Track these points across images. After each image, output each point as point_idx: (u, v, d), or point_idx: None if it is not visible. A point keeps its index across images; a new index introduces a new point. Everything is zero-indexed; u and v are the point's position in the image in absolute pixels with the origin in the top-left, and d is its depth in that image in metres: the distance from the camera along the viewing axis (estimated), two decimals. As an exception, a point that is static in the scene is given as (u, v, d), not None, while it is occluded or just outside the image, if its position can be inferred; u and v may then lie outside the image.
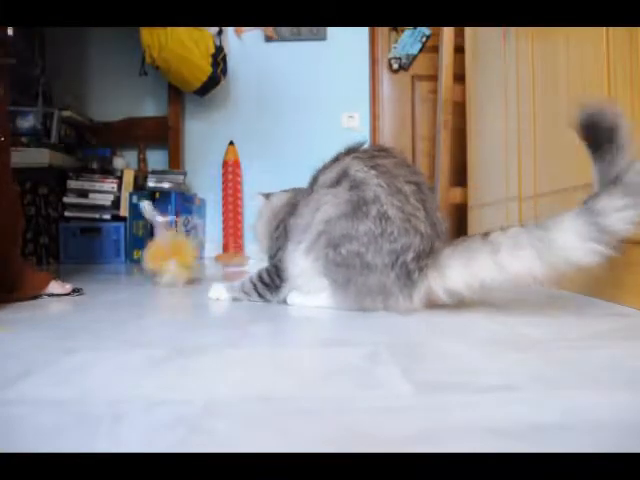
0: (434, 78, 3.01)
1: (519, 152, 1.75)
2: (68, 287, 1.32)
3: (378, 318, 0.94)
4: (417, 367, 0.63)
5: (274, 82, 3.34)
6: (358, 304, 1.00)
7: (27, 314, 1.10)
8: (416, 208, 0.99)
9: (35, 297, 1.26)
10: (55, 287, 1.31)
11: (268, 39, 3.37)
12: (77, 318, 1.05)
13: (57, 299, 1.28)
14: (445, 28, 2.68)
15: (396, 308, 0.98)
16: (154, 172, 3.13)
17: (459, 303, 1.00)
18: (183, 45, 2.83)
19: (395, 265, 0.96)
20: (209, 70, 2.97)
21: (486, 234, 0.93)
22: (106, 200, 2.96)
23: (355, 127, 3.33)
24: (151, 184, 3.04)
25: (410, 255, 0.96)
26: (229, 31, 3.32)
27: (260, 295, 1.16)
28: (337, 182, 1.03)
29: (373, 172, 1.00)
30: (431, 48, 3.19)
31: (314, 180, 1.11)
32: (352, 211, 0.99)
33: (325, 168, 1.11)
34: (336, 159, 1.10)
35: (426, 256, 0.96)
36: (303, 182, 1.18)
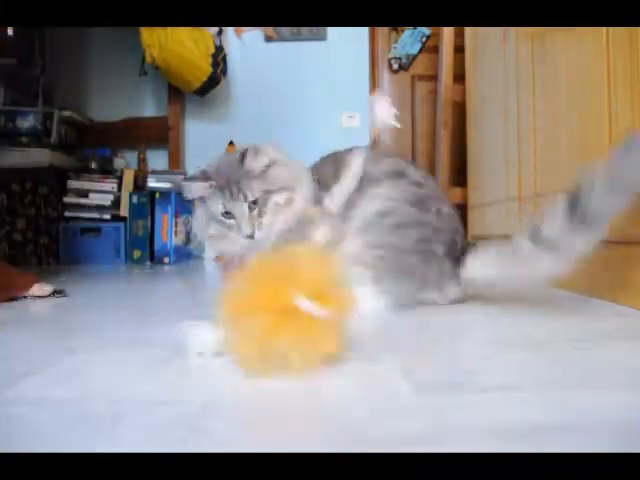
0: (434, 78, 3.01)
1: (519, 152, 1.75)
2: (48, 289, 1.31)
3: (378, 318, 0.94)
4: (417, 367, 0.63)
5: (274, 82, 3.34)
6: (415, 295, 0.99)
7: (16, 315, 1.10)
8: (452, 211, 1.07)
9: (14, 299, 1.26)
10: (35, 290, 1.30)
11: (268, 39, 3.37)
12: (69, 319, 1.05)
13: (41, 300, 1.28)
14: (445, 28, 2.68)
15: (445, 298, 1.01)
16: (154, 172, 3.13)
17: (458, 303, 1.00)
18: (183, 45, 2.83)
19: (450, 254, 1.00)
20: (209, 70, 2.97)
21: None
22: (106, 200, 2.96)
23: (355, 127, 3.33)
24: (151, 184, 3.04)
25: (458, 246, 1.02)
26: (229, 31, 3.32)
27: None
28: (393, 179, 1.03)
29: (427, 177, 1.08)
30: (431, 48, 3.19)
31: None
32: (418, 201, 1.00)
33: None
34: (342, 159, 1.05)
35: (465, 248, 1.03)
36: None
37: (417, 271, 0.97)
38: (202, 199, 0.98)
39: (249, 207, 0.93)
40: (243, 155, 0.94)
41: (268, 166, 0.95)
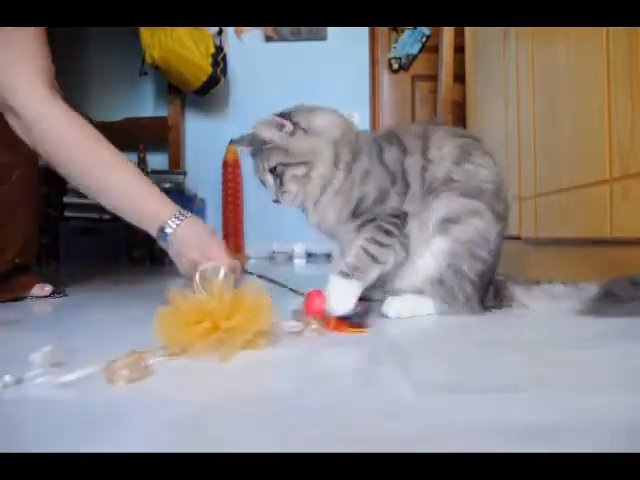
0: (434, 78, 3.01)
1: (519, 152, 1.75)
2: (48, 289, 1.31)
3: (378, 318, 0.94)
4: (417, 367, 0.63)
5: (274, 82, 3.34)
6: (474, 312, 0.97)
7: (17, 315, 1.10)
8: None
9: (15, 299, 1.26)
10: (36, 290, 1.30)
11: (268, 39, 3.37)
12: (69, 318, 1.05)
13: (41, 300, 1.28)
14: (445, 28, 2.68)
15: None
16: (154, 172, 3.13)
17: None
18: (183, 45, 2.83)
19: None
20: (209, 70, 2.97)
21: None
22: (106, 200, 2.96)
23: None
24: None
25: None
26: (229, 31, 3.32)
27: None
28: (462, 158, 0.97)
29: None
30: (431, 48, 3.19)
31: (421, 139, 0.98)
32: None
33: (429, 134, 0.99)
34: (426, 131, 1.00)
35: None
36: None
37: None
38: None
39: (272, 175, 0.95)
40: (265, 121, 0.95)
41: (291, 135, 0.93)
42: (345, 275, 0.90)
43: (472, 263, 0.94)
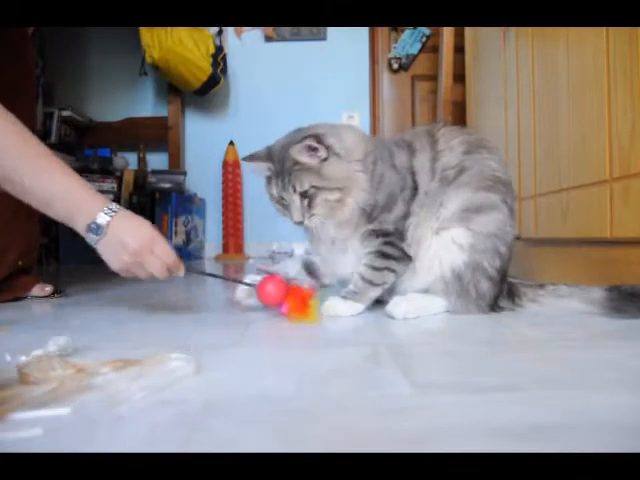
0: (434, 78, 3.01)
1: (519, 152, 1.75)
2: (48, 289, 1.31)
3: (378, 318, 0.94)
4: (417, 367, 0.63)
5: (274, 82, 3.35)
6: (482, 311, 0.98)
7: (19, 315, 1.10)
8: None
9: (16, 299, 1.26)
10: (36, 290, 1.30)
11: (268, 39, 3.37)
12: (69, 318, 1.05)
13: (42, 300, 1.28)
14: (445, 28, 2.68)
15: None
16: (154, 172, 3.14)
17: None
18: (183, 45, 2.83)
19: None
20: (209, 70, 2.97)
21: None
22: (106, 200, 2.96)
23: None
24: (151, 184, 3.04)
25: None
26: (229, 31, 3.32)
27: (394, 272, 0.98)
28: (474, 150, 0.99)
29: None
30: (431, 48, 3.19)
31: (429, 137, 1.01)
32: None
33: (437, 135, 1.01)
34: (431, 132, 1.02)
35: None
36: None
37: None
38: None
39: (300, 197, 0.93)
40: (301, 145, 0.91)
41: (324, 160, 0.92)
42: (345, 298, 0.97)
43: (493, 259, 0.94)
